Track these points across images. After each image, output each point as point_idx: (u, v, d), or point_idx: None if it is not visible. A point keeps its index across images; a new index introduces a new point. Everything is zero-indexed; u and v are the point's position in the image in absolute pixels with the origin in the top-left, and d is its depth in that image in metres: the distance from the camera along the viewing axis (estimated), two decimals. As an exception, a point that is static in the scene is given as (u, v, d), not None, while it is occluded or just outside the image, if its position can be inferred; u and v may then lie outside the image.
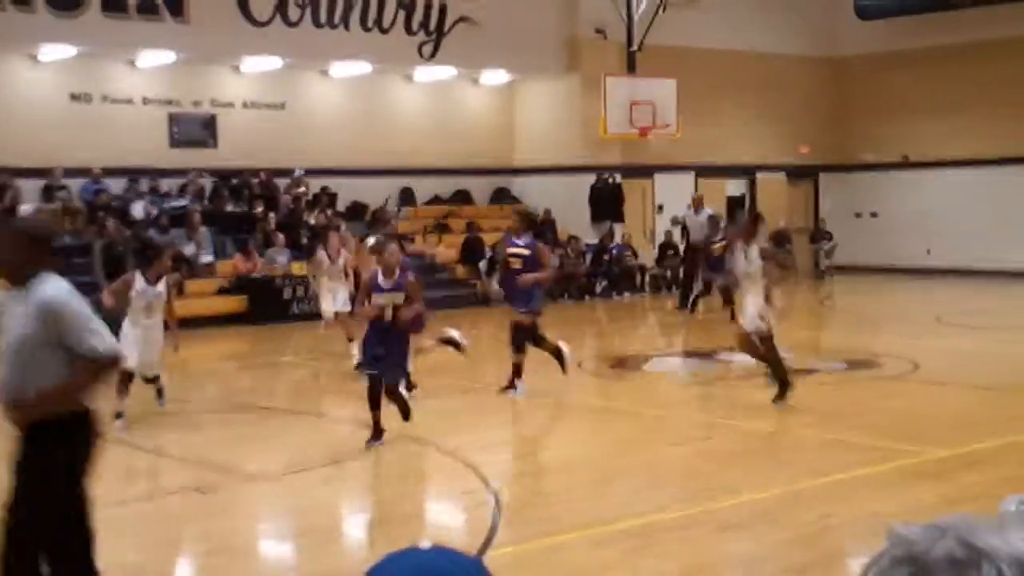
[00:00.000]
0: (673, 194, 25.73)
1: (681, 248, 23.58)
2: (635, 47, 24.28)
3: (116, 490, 8.68)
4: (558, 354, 12.33)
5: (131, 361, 10.07)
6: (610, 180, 25.08)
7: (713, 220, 20.31)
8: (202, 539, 7.88)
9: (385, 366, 9.61)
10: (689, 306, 20.08)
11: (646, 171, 25.90)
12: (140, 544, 7.64)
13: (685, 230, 22.96)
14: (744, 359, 15.02)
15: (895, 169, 28.30)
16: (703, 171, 26.78)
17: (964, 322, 19.27)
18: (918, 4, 26.37)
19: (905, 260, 27.55)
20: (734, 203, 27.82)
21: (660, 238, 25.57)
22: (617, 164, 25.27)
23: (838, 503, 8.10)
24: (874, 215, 28.93)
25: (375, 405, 9.57)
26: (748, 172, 28.30)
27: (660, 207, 26.20)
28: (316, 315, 20.45)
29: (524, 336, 11.96)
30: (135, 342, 10.47)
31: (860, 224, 29.05)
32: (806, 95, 28.63)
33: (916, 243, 27.50)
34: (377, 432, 9.61)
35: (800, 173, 29.42)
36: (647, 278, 24.99)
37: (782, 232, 28.41)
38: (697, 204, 21.99)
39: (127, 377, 10.35)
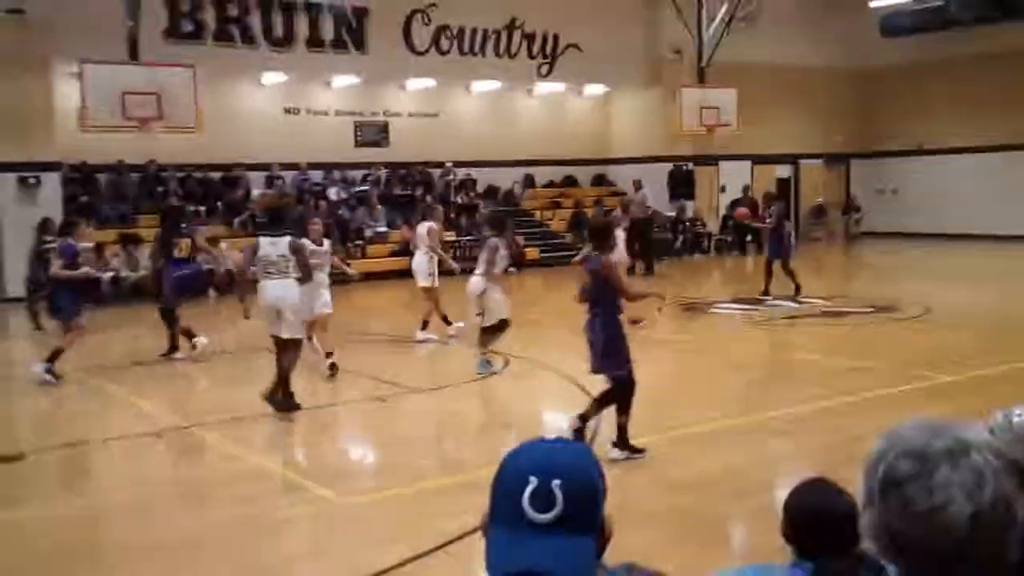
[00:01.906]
0: (733, 177, 25.43)
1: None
2: (704, 63, 23.79)
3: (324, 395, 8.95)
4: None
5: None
6: (684, 167, 24.74)
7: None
8: (381, 433, 7.99)
9: None
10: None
11: (712, 160, 25.42)
12: (330, 436, 7.84)
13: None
14: (790, 304, 14.75)
15: (912, 155, 27.49)
16: (757, 159, 26.37)
17: (968, 276, 18.63)
18: (931, 22, 25.37)
19: (920, 227, 26.81)
20: (781, 184, 27.56)
21: (722, 212, 25.19)
22: (689, 154, 24.84)
23: (863, 417, 7.85)
24: (894, 191, 28.14)
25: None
26: (793, 159, 27.76)
27: (723, 188, 25.81)
28: (463, 272, 20.89)
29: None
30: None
31: (883, 199, 28.29)
32: (840, 98, 27.89)
33: (929, 214, 26.77)
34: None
35: (835, 159, 28.69)
36: (712, 243, 24.76)
37: (820, 206, 28.06)
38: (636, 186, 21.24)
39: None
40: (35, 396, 9.67)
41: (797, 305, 14.64)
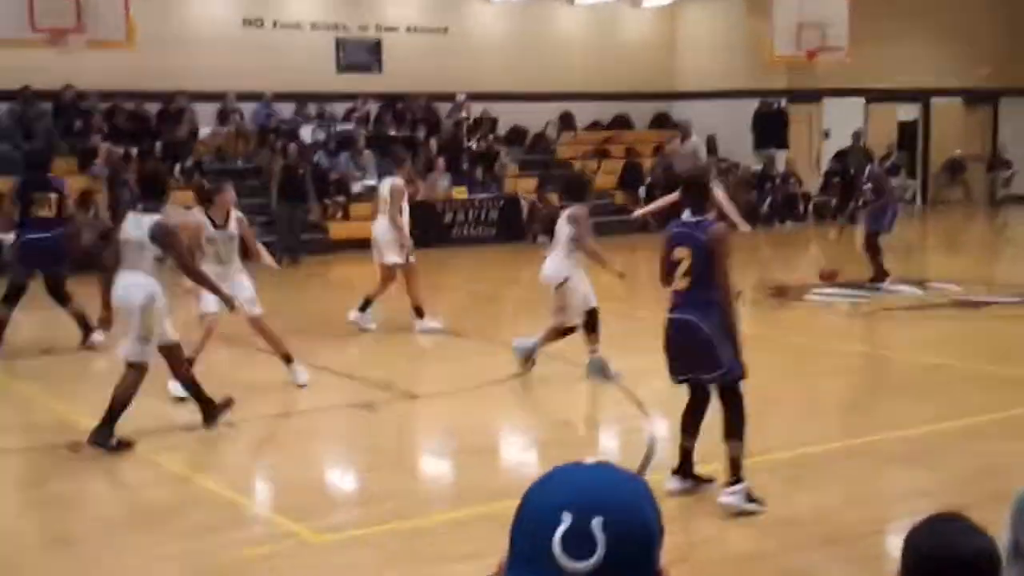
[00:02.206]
0: (841, 120, 24.99)
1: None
2: (806, -36, 23.53)
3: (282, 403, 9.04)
4: None
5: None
6: (775, 105, 24.58)
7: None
8: (369, 451, 8.08)
9: None
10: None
11: (813, 96, 25.26)
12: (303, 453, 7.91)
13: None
14: (911, 290, 14.68)
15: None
16: (873, 96, 26.07)
17: None
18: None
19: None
20: (906, 130, 27.13)
21: (825, 166, 24.94)
22: (783, 89, 24.71)
23: (1011, 441, 7.83)
24: (1057, 142, 27.72)
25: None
26: (922, 97, 27.36)
27: (827, 133, 25.60)
28: (478, 239, 20.97)
29: None
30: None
31: (1041, 152, 27.84)
32: (987, 10, 27.23)
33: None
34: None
35: (979, 98, 28.23)
36: (811, 206, 24.41)
37: (957, 160, 27.74)
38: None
39: None
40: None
41: (922, 292, 14.58)
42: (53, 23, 15.96)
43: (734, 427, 6.33)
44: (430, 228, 20.52)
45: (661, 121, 26.12)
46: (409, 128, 22.66)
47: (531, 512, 1.46)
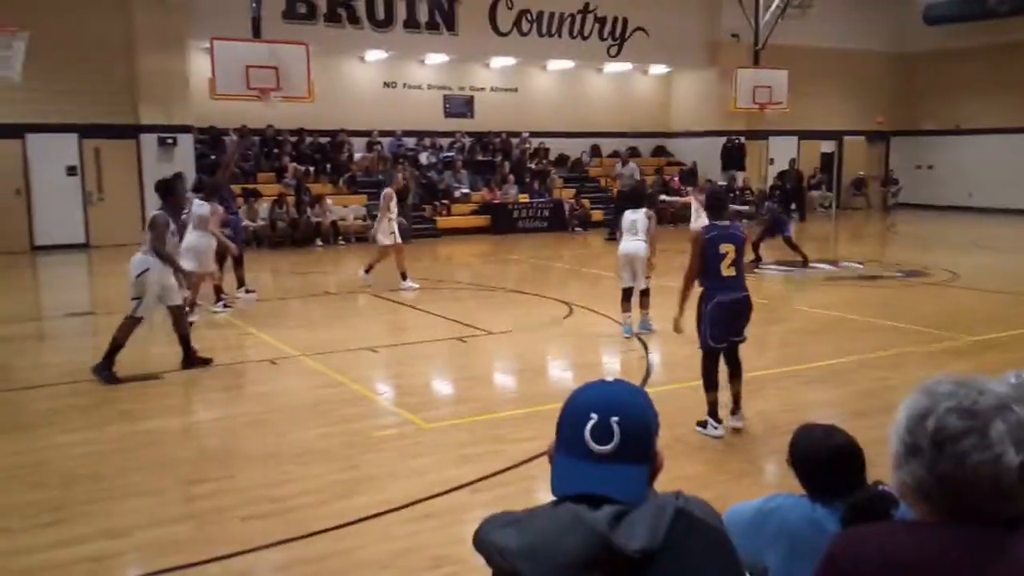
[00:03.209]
0: (782, 151, 24.79)
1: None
2: (759, 46, 23.01)
3: (410, 337, 9.11)
4: None
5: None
6: (736, 141, 24.09)
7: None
8: (461, 368, 8.14)
9: None
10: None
11: (762, 135, 24.78)
12: (419, 369, 7.99)
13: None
14: (827, 267, 14.41)
15: (948, 134, 26.29)
16: (804, 135, 25.65)
17: (995, 246, 17.87)
18: (968, 13, 24.16)
19: (952, 201, 25.87)
20: (826, 158, 26.90)
21: (770, 182, 24.51)
22: (742, 129, 24.20)
23: (893, 370, 7.71)
24: (930, 167, 27.04)
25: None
26: (837, 136, 26.85)
27: (771, 160, 25.17)
28: (535, 229, 21.07)
29: None
30: None
31: (919, 174, 27.21)
32: (882, 80, 26.84)
33: (961, 188, 25.81)
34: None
35: (876, 137, 27.62)
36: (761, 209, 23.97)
37: (861, 179, 27.13)
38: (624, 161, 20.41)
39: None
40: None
41: (835, 268, 14.32)
42: (261, 84, 16.10)
43: (740, 371, 5.99)
44: (504, 221, 20.53)
45: (659, 151, 25.74)
46: (491, 155, 22.59)
47: (570, 412, 1.46)
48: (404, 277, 12.23)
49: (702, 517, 1.42)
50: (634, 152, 25.35)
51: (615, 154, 24.79)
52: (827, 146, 26.85)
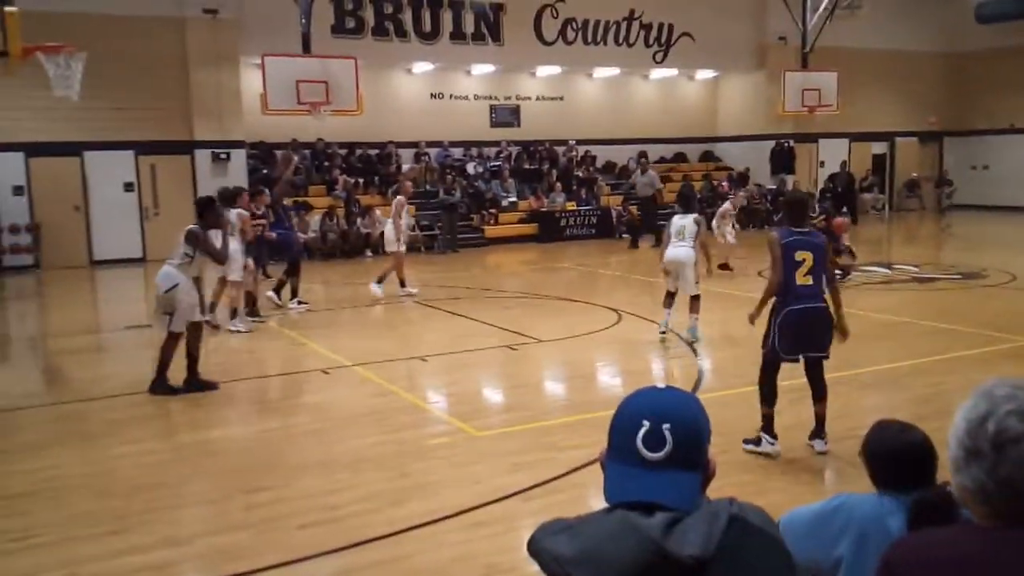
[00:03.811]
0: (832, 154, 24.30)
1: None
2: (808, 49, 22.58)
3: (458, 345, 9.18)
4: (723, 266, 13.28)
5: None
6: (785, 144, 23.75)
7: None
8: (511, 377, 8.15)
9: None
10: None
11: (812, 138, 24.37)
12: (469, 378, 8.03)
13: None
14: (882, 270, 14.10)
15: (1003, 134, 25.58)
16: (855, 137, 25.15)
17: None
18: (1021, 10, 23.58)
19: (1007, 201, 25.08)
20: (878, 160, 26.44)
21: (820, 185, 24.14)
22: (791, 133, 23.84)
23: (949, 374, 7.52)
24: (985, 167, 26.32)
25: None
26: (889, 137, 26.27)
27: (822, 163, 24.74)
28: (582, 236, 21.02)
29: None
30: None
31: (974, 174, 26.50)
32: (934, 80, 26.23)
33: (1018, 188, 25.04)
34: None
35: (929, 138, 26.96)
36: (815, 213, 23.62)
37: (914, 180, 26.52)
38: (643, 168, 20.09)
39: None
40: (226, 338, 10.25)
41: (890, 271, 14.02)
42: (311, 99, 16.36)
43: (825, 392, 5.60)
44: (552, 229, 20.54)
45: (707, 157, 25.47)
46: (537, 163, 22.62)
47: (622, 419, 1.45)
48: (403, 284, 12.39)
49: (756, 523, 1.40)
50: (681, 157, 25.21)
51: (661, 160, 24.67)
52: (879, 147, 26.32)
